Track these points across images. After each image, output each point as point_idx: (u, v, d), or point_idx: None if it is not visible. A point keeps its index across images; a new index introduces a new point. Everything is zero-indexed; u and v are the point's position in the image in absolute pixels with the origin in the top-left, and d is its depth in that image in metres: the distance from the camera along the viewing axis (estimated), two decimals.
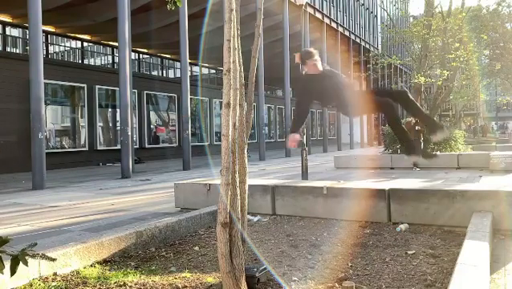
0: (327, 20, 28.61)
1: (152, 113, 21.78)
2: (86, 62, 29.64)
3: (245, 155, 2.76)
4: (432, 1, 22.84)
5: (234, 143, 2.59)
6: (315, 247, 3.84)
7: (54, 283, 2.89)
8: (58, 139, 17.02)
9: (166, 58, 32.12)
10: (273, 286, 2.84)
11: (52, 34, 24.02)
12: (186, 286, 2.80)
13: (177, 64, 29.88)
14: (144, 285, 2.84)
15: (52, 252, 3.13)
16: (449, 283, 2.42)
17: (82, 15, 20.34)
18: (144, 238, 3.94)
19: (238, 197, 2.64)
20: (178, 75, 28.34)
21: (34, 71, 9.75)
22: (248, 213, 3.24)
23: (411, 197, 4.70)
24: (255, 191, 5.49)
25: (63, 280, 2.97)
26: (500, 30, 29.48)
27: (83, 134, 17.72)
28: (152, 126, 21.72)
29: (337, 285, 2.85)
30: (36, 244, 1.73)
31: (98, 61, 32.01)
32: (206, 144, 24.06)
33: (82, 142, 17.69)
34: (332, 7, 30.46)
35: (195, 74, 32.13)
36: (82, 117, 17.66)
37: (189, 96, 14.85)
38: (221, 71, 20.84)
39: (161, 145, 22.11)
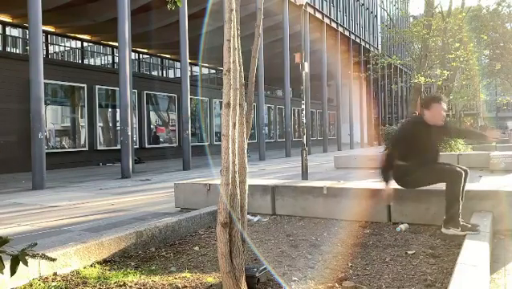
0: (327, 20, 28.61)
1: (152, 113, 21.78)
2: (86, 62, 29.65)
3: (245, 155, 2.76)
4: (432, 1, 22.85)
5: (234, 143, 2.59)
6: (315, 247, 3.84)
7: (54, 283, 2.89)
8: (58, 139, 17.02)
9: (166, 58, 32.13)
10: (273, 286, 2.84)
11: (52, 34, 24.03)
12: (186, 286, 2.80)
13: (177, 64, 29.89)
14: (144, 285, 2.84)
15: (52, 252, 3.13)
16: (448, 283, 2.42)
17: (82, 15, 20.35)
18: (144, 238, 3.94)
19: (238, 197, 2.64)
20: (178, 75, 28.35)
21: (34, 71, 9.75)
22: (248, 213, 3.24)
23: (411, 197, 4.69)
24: (255, 191, 5.49)
25: (63, 280, 2.97)
26: (500, 30, 29.47)
27: (83, 134, 17.72)
28: (152, 126, 21.71)
29: (337, 285, 2.85)
30: (36, 244, 1.73)
31: (98, 61, 32.03)
32: (206, 144, 24.06)
33: (82, 142, 17.69)
34: (332, 7, 30.47)
35: (195, 74, 32.14)
36: (82, 117, 17.66)
37: (189, 96, 14.85)
38: (221, 71, 20.82)
39: (161, 145, 22.11)
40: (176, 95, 21.96)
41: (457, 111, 39.74)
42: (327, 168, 14.19)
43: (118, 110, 15.62)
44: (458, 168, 4.02)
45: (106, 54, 30.73)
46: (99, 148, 18.19)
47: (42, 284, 2.86)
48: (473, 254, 2.95)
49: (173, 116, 22.96)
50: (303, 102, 12.34)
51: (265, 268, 2.91)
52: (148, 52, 30.48)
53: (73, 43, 29.25)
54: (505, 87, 38.31)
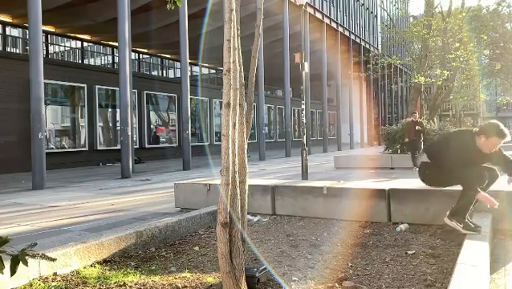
0: (327, 20, 28.61)
1: (152, 113, 21.78)
2: (86, 62, 29.66)
3: (245, 155, 2.76)
4: (432, 1, 22.86)
5: (234, 143, 2.59)
6: (315, 247, 3.84)
7: (54, 283, 2.89)
8: (58, 139, 17.02)
9: (166, 58, 32.13)
10: (273, 286, 2.84)
11: (52, 34, 24.04)
12: (186, 286, 2.80)
13: (177, 64, 29.90)
14: (144, 285, 2.84)
15: (52, 252, 3.13)
16: (449, 283, 2.42)
17: (82, 15, 20.35)
18: (144, 238, 3.94)
19: (238, 197, 2.64)
20: (178, 75, 28.35)
21: (34, 71, 9.75)
22: (248, 213, 3.24)
23: (411, 197, 4.69)
24: (255, 191, 5.49)
25: (63, 280, 2.97)
26: (500, 30, 29.47)
27: (83, 134, 17.72)
28: (152, 126, 21.71)
29: (337, 285, 2.85)
30: (36, 244, 1.73)
31: (98, 61, 32.04)
32: (206, 144, 24.06)
33: (82, 142, 17.69)
34: (332, 7, 30.47)
35: (195, 74, 32.15)
36: (82, 117, 17.66)
37: (189, 96, 14.85)
38: (221, 71, 20.87)
39: (161, 145, 22.11)
40: (176, 95, 21.96)
41: (457, 111, 39.77)
42: (327, 168, 14.19)
43: (118, 110, 15.63)
44: (485, 173, 3.93)
45: (106, 54, 30.74)
46: (99, 148, 18.19)
47: (42, 284, 2.86)
48: (473, 254, 2.95)
49: (173, 115, 22.96)
50: (303, 102, 12.35)
51: (265, 268, 2.91)
52: (148, 52, 30.48)
53: (73, 43, 29.26)
54: (505, 87, 38.30)
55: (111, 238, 3.64)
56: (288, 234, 4.36)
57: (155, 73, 32.74)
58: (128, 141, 12.24)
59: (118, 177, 12.17)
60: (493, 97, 51.61)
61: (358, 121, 34.68)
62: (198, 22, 19.27)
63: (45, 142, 10.63)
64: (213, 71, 35.53)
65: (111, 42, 26.16)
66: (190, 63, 18.69)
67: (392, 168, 13.17)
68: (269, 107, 31.11)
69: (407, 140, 13.15)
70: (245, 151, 2.76)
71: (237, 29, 2.68)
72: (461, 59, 21.58)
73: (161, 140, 22.34)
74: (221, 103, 2.89)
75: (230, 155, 2.55)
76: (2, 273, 1.61)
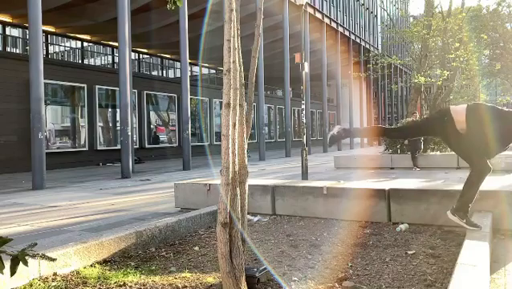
0: (327, 20, 28.61)
1: (152, 113, 21.78)
2: (86, 62, 29.66)
3: (246, 155, 2.76)
4: (432, 1, 22.86)
5: (234, 143, 2.60)
6: (315, 247, 3.84)
7: (54, 283, 2.89)
8: (58, 139, 17.02)
9: (166, 58, 32.13)
10: (273, 286, 2.84)
11: (52, 34, 24.03)
12: (186, 287, 2.80)
13: (177, 64, 29.91)
14: (144, 285, 2.84)
15: (52, 252, 3.13)
16: (449, 283, 2.42)
17: (82, 15, 20.35)
18: (144, 238, 3.94)
19: (238, 197, 2.64)
20: (178, 75, 28.36)
21: (34, 71, 9.75)
22: (248, 213, 3.24)
23: (411, 197, 4.69)
24: (255, 191, 5.49)
25: (63, 280, 2.97)
26: (500, 30, 29.49)
27: (83, 134, 17.72)
28: (152, 126, 21.72)
29: (337, 285, 2.85)
30: (36, 244, 1.72)
31: (98, 61, 32.05)
32: (206, 144, 24.07)
33: (82, 142, 17.69)
34: (332, 7, 30.47)
35: (195, 74, 32.15)
36: (82, 117, 17.66)
37: (189, 96, 14.85)
38: (221, 71, 20.86)
39: (161, 145, 22.12)
40: (176, 95, 21.96)
41: None
42: (327, 168, 14.19)
43: (118, 110, 15.62)
44: (489, 166, 3.90)
45: (106, 54, 30.75)
46: (99, 148, 18.19)
47: (42, 284, 2.86)
48: (473, 254, 2.95)
49: (173, 115, 22.96)
50: (303, 102, 12.35)
51: (265, 268, 2.91)
52: (148, 52, 30.48)
53: (73, 43, 29.27)
54: (505, 87, 38.32)
55: (111, 238, 3.64)
56: (288, 234, 4.36)
57: (155, 73, 32.75)
58: (128, 141, 12.23)
59: (118, 177, 12.17)
60: (493, 97, 51.60)
61: (358, 121, 34.67)
62: (198, 22, 19.27)
63: (45, 142, 10.62)
64: (213, 71, 35.54)
65: (111, 42, 26.16)
66: (190, 63, 18.69)
67: (392, 168, 13.18)
68: (269, 107, 31.12)
69: (406, 141, 13.17)
70: (245, 151, 2.76)
71: (237, 29, 2.68)
72: (461, 59, 21.58)
73: (161, 140, 22.35)
74: (221, 103, 2.89)
75: (230, 155, 2.55)
76: (2, 273, 1.61)
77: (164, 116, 22.81)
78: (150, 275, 3.10)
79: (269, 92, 33.81)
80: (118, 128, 16.36)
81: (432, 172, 11.37)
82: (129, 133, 12.29)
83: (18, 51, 25.06)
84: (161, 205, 7.02)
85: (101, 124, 18.62)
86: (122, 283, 2.86)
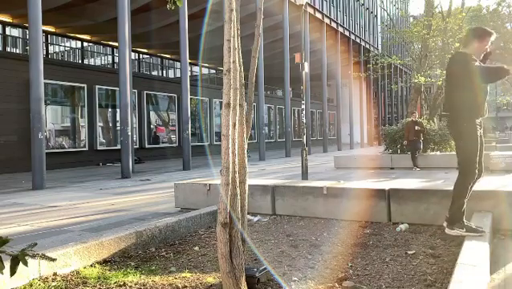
0: (327, 20, 28.61)
1: (152, 113, 21.78)
2: (86, 62, 29.66)
3: (246, 155, 2.76)
4: (432, 1, 22.85)
5: (234, 143, 2.59)
6: (315, 247, 3.84)
7: (54, 283, 2.89)
8: (58, 139, 17.02)
9: (166, 58, 32.13)
10: (273, 286, 2.84)
11: (52, 34, 24.03)
12: (186, 286, 2.80)
13: (177, 64, 29.90)
14: (144, 285, 2.84)
15: (52, 252, 3.13)
16: (449, 283, 2.42)
17: (82, 15, 20.35)
18: (144, 238, 3.94)
19: (238, 197, 2.64)
20: (178, 75, 28.35)
21: (34, 71, 9.75)
22: (248, 213, 3.24)
23: (411, 197, 4.69)
24: (255, 191, 5.49)
25: (63, 280, 2.97)
26: (500, 30, 29.47)
27: (83, 134, 17.72)
28: (152, 126, 21.72)
29: (337, 285, 2.85)
30: (36, 244, 1.72)
31: (98, 61, 32.05)
32: (206, 144, 24.06)
33: (82, 142, 17.69)
34: (332, 7, 30.47)
35: (195, 74, 32.15)
36: (82, 117, 17.66)
37: (189, 96, 14.85)
38: (221, 71, 20.85)
39: (161, 145, 22.11)
40: (176, 95, 21.96)
41: None
42: (327, 168, 14.19)
43: (118, 110, 15.62)
44: (475, 172, 3.75)
45: (106, 54, 30.75)
46: (99, 148, 18.19)
47: (42, 284, 2.86)
48: (473, 254, 2.95)
49: (173, 115, 22.96)
50: (303, 102, 12.35)
51: (265, 268, 2.91)
52: (148, 52, 30.48)
53: (73, 43, 29.27)
54: (505, 87, 38.32)
55: (111, 238, 3.64)
56: (288, 234, 4.36)
57: (155, 73, 32.74)
58: (128, 141, 12.23)
59: (118, 177, 12.17)
60: (493, 97, 51.61)
61: (358, 121, 34.68)
62: (198, 22, 19.27)
63: (45, 142, 10.62)
64: (213, 71, 35.53)
65: (111, 42, 26.16)
66: (190, 63, 18.69)
67: (392, 169, 13.17)
68: (269, 107, 31.12)
69: (406, 142, 13.17)
70: (245, 151, 2.76)
71: (237, 29, 2.68)
72: None
73: (161, 140, 22.35)
74: (221, 103, 2.89)
75: (230, 155, 2.55)
76: (2, 273, 1.61)
77: (164, 116, 22.81)
78: (150, 275, 3.10)
79: (269, 92, 33.81)
80: (118, 128, 16.36)
81: (432, 172, 11.37)
82: (129, 133, 12.29)
83: (18, 51, 25.05)
84: (161, 205, 7.02)
85: (101, 124, 18.62)
86: (122, 283, 2.86)
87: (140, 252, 3.80)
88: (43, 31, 18.13)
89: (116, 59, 23.47)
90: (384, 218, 4.75)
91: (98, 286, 2.84)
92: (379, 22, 42.30)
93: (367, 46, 37.69)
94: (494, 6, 28.97)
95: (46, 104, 13.92)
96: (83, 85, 17.48)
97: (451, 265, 3.11)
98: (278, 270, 3.17)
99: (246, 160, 2.78)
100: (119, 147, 13.52)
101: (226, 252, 2.52)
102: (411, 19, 33.74)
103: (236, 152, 2.62)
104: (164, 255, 3.72)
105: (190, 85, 15.32)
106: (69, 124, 17.48)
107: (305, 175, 10.44)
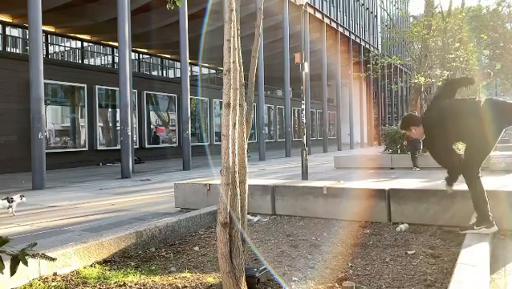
0: (327, 20, 28.61)
1: (152, 113, 21.78)
2: (86, 62, 29.65)
3: (246, 155, 2.76)
4: (432, 1, 22.84)
5: (234, 143, 2.59)
6: (315, 247, 3.84)
7: (54, 283, 2.89)
8: (58, 139, 17.02)
9: (166, 58, 32.12)
10: (273, 286, 2.84)
11: (52, 34, 24.03)
12: (186, 286, 2.79)
13: (177, 64, 29.89)
14: (144, 285, 2.84)
15: (52, 252, 3.13)
16: (449, 283, 2.42)
17: (82, 15, 20.35)
18: (144, 238, 3.94)
19: (238, 197, 2.64)
20: (178, 75, 28.35)
21: (34, 71, 9.75)
22: (248, 213, 3.24)
23: (411, 197, 4.69)
24: (255, 191, 5.49)
25: (63, 280, 2.97)
26: (500, 30, 29.47)
27: (83, 134, 17.72)
28: (152, 126, 21.72)
29: (337, 285, 2.85)
30: (36, 244, 1.72)
31: (98, 61, 32.03)
32: (206, 144, 24.06)
33: (82, 142, 17.69)
34: (332, 7, 30.47)
35: (195, 74, 32.14)
36: (82, 117, 17.66)
37: (189, 96, 14.85)
38: (221, 71, 20.83)
39: (161, 145, 22.11)
40: (176, 95, 21.96)
41: None
42: (327, 168, 14.19)
43: (118, 110, 15.62)
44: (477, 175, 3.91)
45: (106, 54, 30.74)
46: (99, 148, 18.19)
47: (42, 284, 2.86)
48: (473, 254, 2.95)
49: (173, 115, 22.96)
50: (303, 102, 12.35)
51: (265, 268, 2.91)
52: (148, 52, 30.48)
53: (73, 43, 29.26)
54: (505, 87, 38.29)
55: (111, 238, 3.64)
56: (288, 234, 4.36)
57: (155, 73, 32.73)
58: (128, 141, 12.23)
59: (118, 177, 12.16)
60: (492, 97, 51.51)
61: (358, 121, 34.68)
62: (198, 22, 19.27)
63: (45, 142, 10.61)
64: (213, 71, 35.53)
65: (111, 42, 26.15)
66: (190, 63, 18.68)
67: (392, 169, 13.17)
68: (269, 107, 31.12)
69: (405, 142, 13.17)
70: (245, 151, 2.76)
71: (237, 29, 2.68)
72: (461, 59, 21.56)
73: (161, 140, 22.35)
74: (221, 103, 2.89)
75: (230, 155, 2.55)
76: (2, 273, 1.61)
77: (164, 116, 22.81)
78: (150, 275, 3.10)
79: (269, 92, 33.81)
80: (118, 128, 16.35)
81: (432, 172, 11.37)
82: (129, 133, 12.29)
83: (18, 51, 25.04)
84: (161, 205, 7.02)
85: (101, 124, 18.62)
86: (122, 283, 2.86)
87: (140, 252, 3.80)
88: (43, 31, 18.13)
89: (116, 59, 23.47)
90: (384, 218, 4.75)
91: (98, 286, 2.84)
92: (379, 22, 42.29)
93: (367, 46, 37.69)
94: (494, 6, 28.97)
95: (46, 104, 13.92)
96: (83, 85, 17.48)
97: (451, 265, 3.11)
98: (278, 270, 3.17)
99: (246, 160, 2.78)
100: (119, 147, 13.52)
101: (226, 252, 2.52)
102: (411, 19, 33.73)
103: (236, 152, 2.62)
104: (164, 255, 3.72)
105: (190, 85, 15.32)
106: (69, 124, 17.48)
107: (305, 175, 10.44)
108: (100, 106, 18.40)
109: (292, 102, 27.98)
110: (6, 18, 21.06)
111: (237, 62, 2.65)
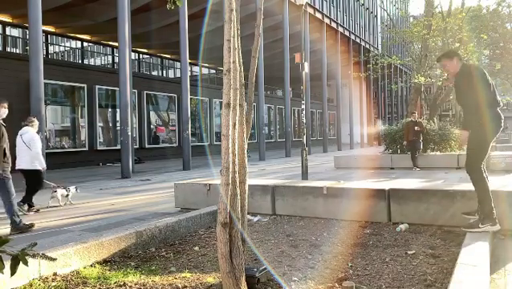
0: (327, 20, 28.61)
1: (152, 113, 21.78)
2: (86, 62, 29.64)
3: (246, 155, 2.76)
4: (432, 1, 22.84)
5: (234, 143, 2.59)
6: (315, 247, 3.84)
7: (54, 283, 2.89)
8: (58, 139, 17.01)
9: (166, 58, 32.12)
10: (273, 286, 2.84)
11: (52, 34, 24.03)
12: (186, 286, 2.79)
13: (177, 64, 29.89)
14: (144, 285, 2.84)
15: (52, 252, 3.13)
16: (449, 283, 2.42)
17: (82, 15, 20.35)
18: (144, 238, 3.94)
19: (238, 197, 2.64)
20: (178, 75, 28.34)
21: (34, 71, 9.75)
22: (248, 213, 3.24)
23: (411, 197, 4.69)
24: (255, 191, 5.49)
25: (63, 280, 2.97)
26: (500, 30, 29.48)
27: (83, 134, 17.72)
28: (152, 126, 21.72)
29: (337, 285, 2.85)
30: (36, 244, 1.72)
31: (98, 61, 32.01)
32: (206, 144, 24.06)
33: (82, 142, 17.69)
34: (332, 7, 30.46)
35: (195, 74, 32.14)
36: (82, 117, 17.66)
37: (189, 96, 14.85)
38: (221, 71, 20.82)
39: (161, 145, 22.12)
40: (176, 95, 21.96)
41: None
42: (327, 168, 14.19)
43: (118, 110, 15.62)
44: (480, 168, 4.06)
45: (106, 54, 30.72)
46: (99, 148, 18.18)
47: (42, 284, 2.86)
48: (473, 254, 2.95)
49: (173, 115, 22.96)
50: (303, 102, 12.34)
51: (265, 268, 2.91)
52: (148, 52, 30.48)
53: (73, 43, 29.24)
54: (505, 87, 38.30)
55: (111, 238, 3.64)
56: (288, 234, 4.36)
57: (155, 73, 32.73)
58: (128, 141, 12.23)
59: (118, 177, 12.16)
60: None
61: (358, 121, 34.67)
62: (198, 22, 19.26)
63: (45, 142, 10.60)
64: (213, 71, 35.53)
65: (111, 42, 26.15)
66: (190, 63, 18.68)
67: (392, 169, 13.17)
68: (269, 107, 31.12)
69: (405, 142, 13.17)
70: (245, 151, 2.76)
71: (237, 29, 2.68)
72: None
73: (161, 140, 22.35)
74: (221, 103, 2.89)
75: (230, 155, 2.55)
76: (2, 273, 1.61)
77: (164, 116, 22.81)
78: (150, 275, 3.10)
79: (269, 92, 33.81)
80: (118, 128, 16.35)
81: (432, 172, 11.37)
82: (129, 133, 12.29)
83: (18, 51, 25.04)
84: (161, 205, 7.02)
85: (101, 124, 18.62)
86: (122, 283, 2.86)
87: (140, 252, 3.80)
88: (43, 31, 18.12)
89: (116, 59, 23.47)
90: (384, 218, 4.75)
91: (98, 286, 2.84)
92: (379, 22, 42.29)
93: (367, 46, 37.69)
94: (494, 6, 28.97)
95: (46, 104, 13.92)
96: (83, 85, 17.48)
97: (451, 265, 3.11)
98: (278, 270, 3.17)
99: (246, 160, 2.78)
100: (119, 147, 13.51)
101: (226, 252, 2.52)
102: (411, 19, 33.75)
103: (236, 152, 2.62)
104: (164, 255, 3.72)
105: (190, 85, 15.32)
106: (69, 124, 17.48)
107: (305, 175, 10.44)
108: (100, 106, 18.40)
109: (292, 102, 27.98)
110: (6, 18, 21.05)
111: (237, 62, 2.65)
